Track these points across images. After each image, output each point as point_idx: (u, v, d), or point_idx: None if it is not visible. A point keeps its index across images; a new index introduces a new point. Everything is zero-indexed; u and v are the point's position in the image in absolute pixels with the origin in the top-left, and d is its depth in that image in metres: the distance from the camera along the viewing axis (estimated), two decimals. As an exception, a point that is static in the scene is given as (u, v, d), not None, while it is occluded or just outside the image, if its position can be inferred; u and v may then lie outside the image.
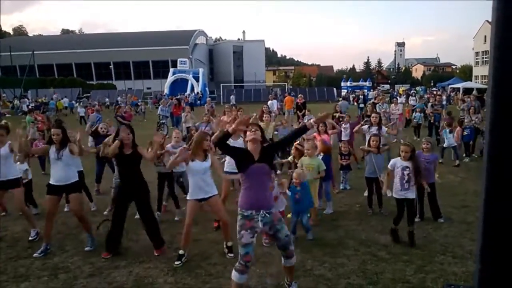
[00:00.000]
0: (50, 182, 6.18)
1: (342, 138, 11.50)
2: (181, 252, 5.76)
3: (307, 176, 6.76)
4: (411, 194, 6.13)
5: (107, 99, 45.81)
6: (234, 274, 4.26)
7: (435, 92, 40.70)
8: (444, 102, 25.56)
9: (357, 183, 9.55)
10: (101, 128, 9.10)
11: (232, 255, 5.79)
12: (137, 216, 6.71)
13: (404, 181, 6.10)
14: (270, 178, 4.53)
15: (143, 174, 6.16)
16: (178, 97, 31.96)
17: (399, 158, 6.28)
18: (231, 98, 37.53)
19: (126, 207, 6.14)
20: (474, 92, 39.59)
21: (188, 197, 5.83)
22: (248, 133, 4.47)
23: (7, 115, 32.65)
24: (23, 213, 6.85)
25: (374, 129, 9.21)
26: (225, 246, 6.00)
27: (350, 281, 5.05)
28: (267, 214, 4.29)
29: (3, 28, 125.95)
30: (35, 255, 6.06)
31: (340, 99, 23.12)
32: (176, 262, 5.64)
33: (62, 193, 6.30)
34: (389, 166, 6.42)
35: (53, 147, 6.16)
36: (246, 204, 4.30)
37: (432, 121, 15.71)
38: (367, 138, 8.71)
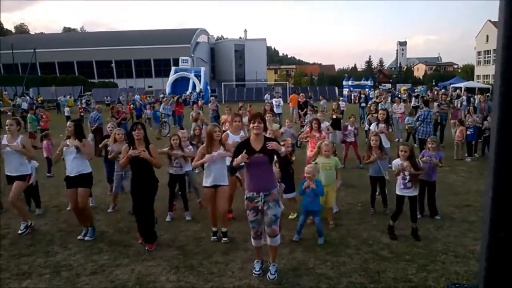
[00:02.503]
0: (67, 174, 6.49)
1: (347, 140, 11.45)
2: (214, 229, 6.44)
3: (319, 172, 6.79)
4: (414, 192, 6.33)
5: (107, 97, 45.09)
6: (252, 241, 5.21)
7: (437, 92, 40.66)
8: (465, 103, 24.93)
9: (359, 182, 9.56)
10: (109, 127, 9.13)
11: (226, 239, 6.26)
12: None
13: (406, 181, 6.29)
14: (270, 166, 5.03)
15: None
16: (178, 96, 31.76)
17: (398, 159, 6.43)
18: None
19: (142, 199, 6.19)
20: (457, 91, 39.91)
21: (203, 184, 6.33)
22: (251, 125, 4.91)
23: (8, 113, 32.62)
24: (14, 205, 6.83)
25: (382, 125, 9.14)
26: (221, 232, 6.38)
27: (352, 279, 5.06)
28: (266, 195, 4.93)
29: (5, 26, 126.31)
30: (79, 237, 6.50)
31: (320, 97, 22.94)
32: (213, 237, 6.38)
33: (77, 185, 6.48)
34: (393, 167, 6.60)
35: (67, 141, 6.46)
36: (249, 187, 5.01)
37: (438, 121, 15.57)
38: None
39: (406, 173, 6.25)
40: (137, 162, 6.01)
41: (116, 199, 8.12)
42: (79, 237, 6.51)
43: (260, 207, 4.94)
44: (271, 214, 4.92)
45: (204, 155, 6.14)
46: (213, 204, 6.26)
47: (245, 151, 4.82)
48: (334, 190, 7.08)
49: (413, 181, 6.29)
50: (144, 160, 5.96)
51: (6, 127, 6.72)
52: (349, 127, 11.48)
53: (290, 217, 7.28)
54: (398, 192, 6.43)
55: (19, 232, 6.73)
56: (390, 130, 9.41)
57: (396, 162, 6.46)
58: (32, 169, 7.70)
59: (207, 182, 6.19)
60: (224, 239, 6.29)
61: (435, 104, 19.48)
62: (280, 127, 10.24)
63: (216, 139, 6.12)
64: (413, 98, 29.91)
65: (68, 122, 6.71)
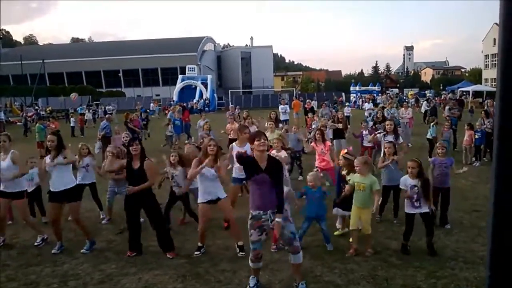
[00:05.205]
0: (50, 189, 6.40)
1: (364, 144, 11.38)
2: (199, 244, 6.24)
3: (321, 180, 6.61)
4: (424, 209, 5.88)
5: (110, 107, 44.18)
6: (250, 263, 4.95)
7: (444, 96, 40.45)
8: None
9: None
10: (124, 137, 9.08)
11: (243, 253, 5.95)
12: (142, 219, 6.77)
13: (414, 200, 5.88)
14: (273, 185, 4.75)
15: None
16: (184, 104, 31.77)
17: (407, 175, 6.03)
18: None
19: (137, 213, 6.28)
20: (450, 95, 39.71)
21: (198, 201, 6.14)
22: (256, 143, 4.74)
23: (18, 123, 32.89)
24: (26, 223, 6.93)
25: (390, 138, 8.82)
26: (236, 245, 6.18)
27: (360, 287, 5.01)
28: (274, 213, 4.68)
29: (14, 38, 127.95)
30: (53, 251, 6.40)
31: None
32: (196, 252, 6.15)
33: (63, 200, 6.41)
34: (400, 185, 6.16)
35: (49, 156, 6.39)
36: (254, 206, 4.78)
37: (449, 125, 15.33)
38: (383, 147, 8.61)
39: (414, 191, 5.85)
40: (133, 176, 6.07)
41: (111, 213, 8.00)
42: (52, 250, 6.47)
43: (267, 227, 4.76)
44: (288, 233, 4.78)
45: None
46: (204, 221, 6.15)
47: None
48: (369, 214, 6.02)
49: (421, 199, 5.85)
50: (140, 174, 6.00)
51: None
52: (363, 132, 11.44)
53: (336, 233, 6.85)
54: (407, 211, 5.99)
55: (36, 244, 6.76)
56: (400, 141, 9.02)
57: (404, 180, 6.05)
58: (33, 174, 7.73)
59: (202, 198, 6.06)
60: (241, 253, 6.02)
61: (446, 108, 19.41)
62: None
63: (210, 153, 5.97)
64: (424, 102, 29.35)
65: (49, 136, 6.57)
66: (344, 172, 6.78)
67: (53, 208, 6.41)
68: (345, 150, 7.17)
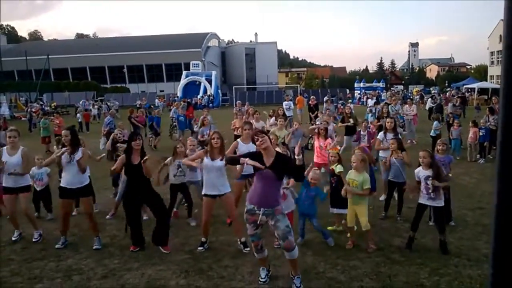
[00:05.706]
0: (62, 185, 6.33)
1: (361, 143, 11.33)
2: (203, 239, 6.26)
3: (321, 179, 6.59)
4: (439, 202, 5.88)
5: (111, 103, 43.72)
6: (255, 254, 5.09)
7: (449, 93, 40.24)
8: None
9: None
10: (117, 134, 9.12)
11: (248, 249, 5.96)
12: (145, 217, 6.78)
13: (430, 191, 5.86)
14: (277, 182, 4.80)
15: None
16: (189, 100, 31.74)
17: (420, 167, 6.01)
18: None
19: (138, 209, 6.32)
20: (454, 91, 39.65)
21: (202, 192, 6.16)
22: (257, 143, 4.74)
23: (23, 119, 32.99)
24: (27, 216, 6.86)
25: (390, 136, 8.80)
26: (239, 242, 6.17)
27: (363, 284, 5.00)
28: (266, 210, 4.74)
29: (20, 33, 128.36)
30: (57, 246, 6.39)
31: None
32: (199, 248, 6.18)
33: (74, 196, 6.44)
34: (415, 177, 6.09)
35: (63, 150, 6.28)
36: (250, 199, 4.86)
37: (451, 122, 15.28)
38: (383, 145, 8.60)
39: (429, 182, 5.83)
40: (132, 171, 6.07)
41: (117, 207, 7.90)
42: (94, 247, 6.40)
43: (260, 222, 4.77)
44: (283, 225, 4.70)
45: (201, 159, 6.10)
46: (208, 214, 6.10)
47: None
48: (364, 209, 6.11)
49: (437, 190, 5.82)
50: (139, 169, 6.00)
51: (9, 139, 6.62)
52: (361, 132, 11.40)
53: (329, 228, 6.83)
54: (421, 201, 6.00)
55: (34, 240, 6.77)
56: (400, 136, 8.98)
57: (418, 171, 6.03)
58: (43, 174, 7.78)
59: (207, 190, 6.06)
60: (246, 249, 6.02)
61: (450, 105, 19.35)
62: (289, 134, 10.17)
63: (215, 146, 6.01)
64: (429, 99, 29.04)
65: (64, 131, 6.56)
66: (332, 166, 6.80)
67: (66, 204, 6.37)
68: (338, 147, 7.20)
